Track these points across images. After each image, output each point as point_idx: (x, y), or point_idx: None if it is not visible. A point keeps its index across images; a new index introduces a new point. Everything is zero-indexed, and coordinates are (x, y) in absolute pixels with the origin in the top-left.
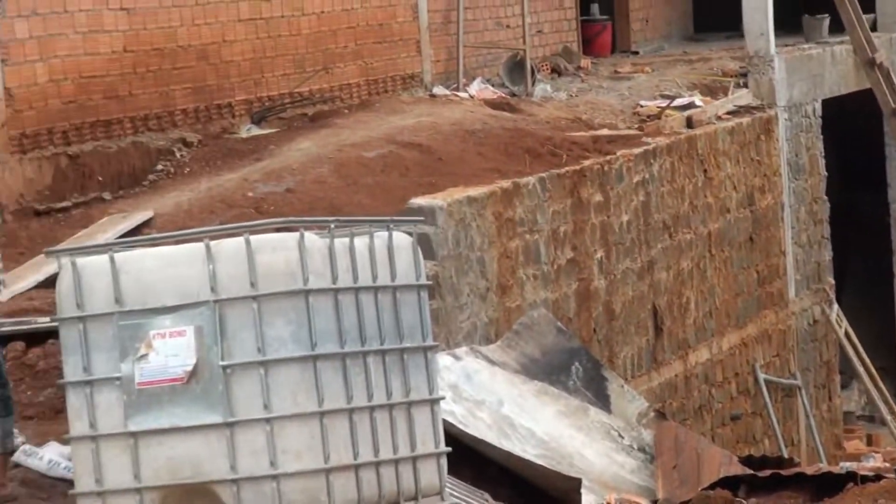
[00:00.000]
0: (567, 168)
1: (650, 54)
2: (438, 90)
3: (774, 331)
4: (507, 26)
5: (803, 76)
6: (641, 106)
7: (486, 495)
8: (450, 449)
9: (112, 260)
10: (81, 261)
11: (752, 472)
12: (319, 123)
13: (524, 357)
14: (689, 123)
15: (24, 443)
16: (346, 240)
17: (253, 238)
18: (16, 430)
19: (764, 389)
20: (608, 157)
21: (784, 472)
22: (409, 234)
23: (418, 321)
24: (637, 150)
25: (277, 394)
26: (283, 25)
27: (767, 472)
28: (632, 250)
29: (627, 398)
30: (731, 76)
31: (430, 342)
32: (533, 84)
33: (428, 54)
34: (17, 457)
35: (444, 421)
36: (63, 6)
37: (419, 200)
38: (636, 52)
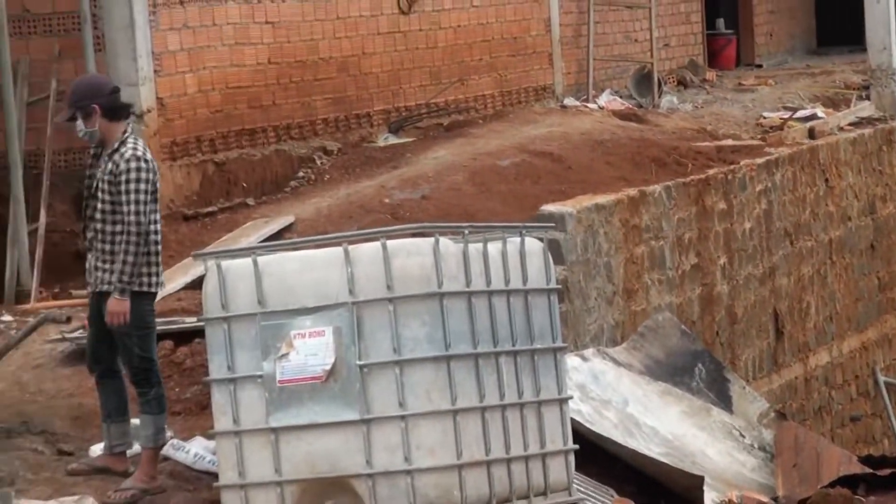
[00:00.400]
0: (692, 177)
1: (774, 67)
2: (569, 101)
3: (895, 335)
4: (636, 40)
5: None
6: (765, 117)
7: (612, 491)
8: (577, 446)
9: (255, 263)
10: (226, 263)
11: (871, 470)
12: (454, 133)
13: (649, 359)
14: (812, 134)
15: (171, 437)
16: (480, 245)
17: (390, 243)
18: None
19: (884, 391)
20: (732, 167)
21: None
22: (541, 239)
23: (548, 323)
24: (760, 160)
25: (412, 392)
26: (420, 39)
27: (887, 471)
28: (754, 257)
29: (749, 399)
30: (854, 89)
31: (559, 344)
32: (660, 96)
33: (559, 67)
34: (166, 450)
35: (572, 419)
36: (212, 19)
37: (550, 207)
38: (760, 66)
